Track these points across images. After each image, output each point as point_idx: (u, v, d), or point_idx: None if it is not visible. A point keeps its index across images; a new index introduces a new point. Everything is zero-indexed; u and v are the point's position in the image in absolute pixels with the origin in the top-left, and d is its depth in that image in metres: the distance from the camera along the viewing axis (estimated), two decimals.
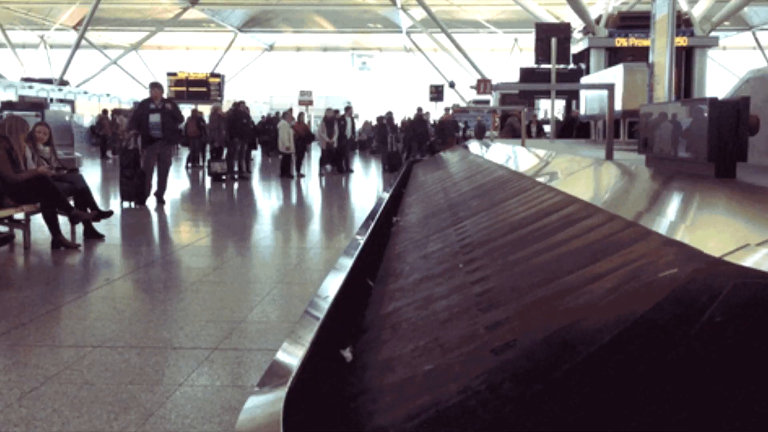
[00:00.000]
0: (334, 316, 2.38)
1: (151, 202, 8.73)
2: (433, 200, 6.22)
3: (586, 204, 2.91)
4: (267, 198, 11.05)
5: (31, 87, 28.89)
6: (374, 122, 24.29)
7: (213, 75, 33.37)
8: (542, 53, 13.48)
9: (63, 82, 30.52)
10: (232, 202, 10.28)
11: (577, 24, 18.96)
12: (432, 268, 3.14)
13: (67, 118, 25.46)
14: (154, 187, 8.85)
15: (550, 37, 12.48)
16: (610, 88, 5.03)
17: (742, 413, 1.18)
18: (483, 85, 17.65)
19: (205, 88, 32.18)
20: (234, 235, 6.96)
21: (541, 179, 4.29)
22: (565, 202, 3.13)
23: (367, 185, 13.42)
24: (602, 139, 8.55)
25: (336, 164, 15.37)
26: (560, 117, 16.98)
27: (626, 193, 3.09)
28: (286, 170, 13.62)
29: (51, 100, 27.96)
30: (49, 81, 30.80)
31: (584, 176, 3.97)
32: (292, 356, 1.94)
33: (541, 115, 23.54)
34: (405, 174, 10.84)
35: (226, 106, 20.52)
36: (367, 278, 3.43)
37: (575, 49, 17.75)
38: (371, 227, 4.54)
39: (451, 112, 22.82)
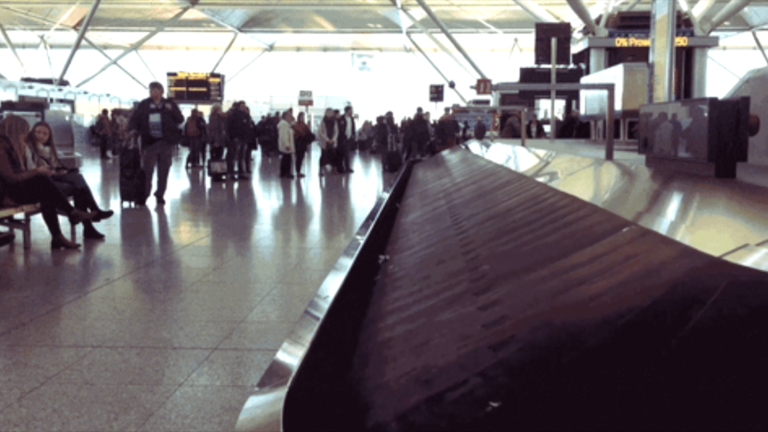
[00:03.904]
0: (334, 316, 2.38)
1: (151, 202, 8.73)
2: (437, 227, 4.35)
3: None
4: (267, 198, 11.05)
5: (31, 87, 28.91)
6: (374, 122, 24.30)
7: (213, 75, 33.37)
8: (542, 53, 13.49)
9: (63, 82, 30.53)
10: (232, 202, 10.28)
11: (577, 24, 18.97)
12: None
13: (67, 118, 25.45)
14: (154, 187, 8.86)
15: (550, 37, 12.49)
16: (610, 88, 5.03)
17: (740, 413, 1.18)
18: (483, 85, 17.65)
19: (205, 88, 32.19)
20: (234, 235, 6.96)
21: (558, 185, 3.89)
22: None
23: (367, 185, 13.42)
24: (602, 139, 8.55)
25: (336, 164, 15.37)
26: (560, 117, 16.99)
27: (626, 193, 3.09)
28: (286, 170, 13.62)
29: (51, 100, 27.96)
30: (49, 81, 30.82)
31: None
32: (292, 356, 1.94)
33: (541, 115, 23.57)
34: (405, 175, 10.83)
35: (226, 106, 20.54)
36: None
37: (575, 49, 17.77)
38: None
39: (451, 112, 22.83)
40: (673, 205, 2.51)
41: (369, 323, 2.56)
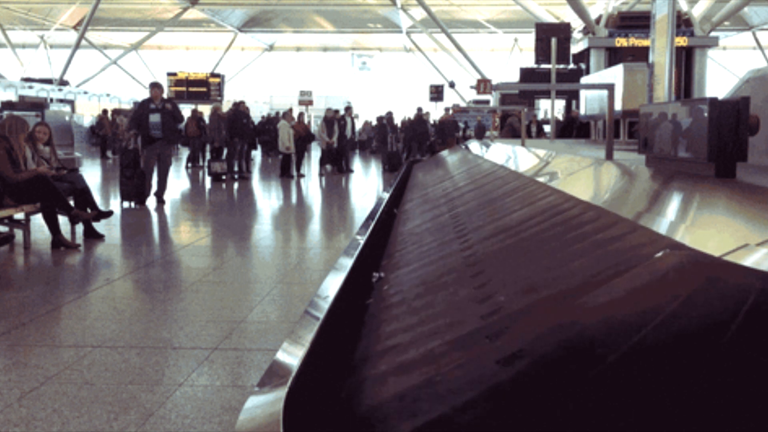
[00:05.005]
0: (334, 316, 2.38)
1: (151, 202, 8.73)
2: (438, 238, 3.88)
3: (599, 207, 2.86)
4: (267, 198, 11.05)
5: (31, 87, 28.91)
6: (374, 122, 24.30)
7: (213, 75, 33.37)
8: (542, 53, 13.50)
9: (63, 82, 30.54)
10: (232, 202, 10.28)
11: (577, 24, 18.97)
12: None
13: (67, 118, 25.46)
14: (154, 187, 8.86)
15: (550, 37, 12.50)
16: (610, 88, 5.03)
17: (741, 415, 1.18)
18: (483, 85, 17.65)
19: (205, 88, 32.19)
20: (234, 235, 6.96)
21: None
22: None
23: (367, 185, 13.42)
24: (602, 139, 8.55)
25: (336, 164, 15.37)
26: (560, 117, 17.00)
27: (626, 193, 3.09)
28: (286, 170, 13.62)
29: (51, 100, 27.96)
30: (49, 81, 30.82)
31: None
32: (292, 356, 1.94)
33: (541, 115, 23.58)
34: (404, 175, 10.82)
35: (226, 106, 20.54)
36: None
37: (575, 49, 17.77)
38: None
39: (451, 112, 22.83)
40: (673, 205, 2.51)
41: (357, 365, 2.07)
